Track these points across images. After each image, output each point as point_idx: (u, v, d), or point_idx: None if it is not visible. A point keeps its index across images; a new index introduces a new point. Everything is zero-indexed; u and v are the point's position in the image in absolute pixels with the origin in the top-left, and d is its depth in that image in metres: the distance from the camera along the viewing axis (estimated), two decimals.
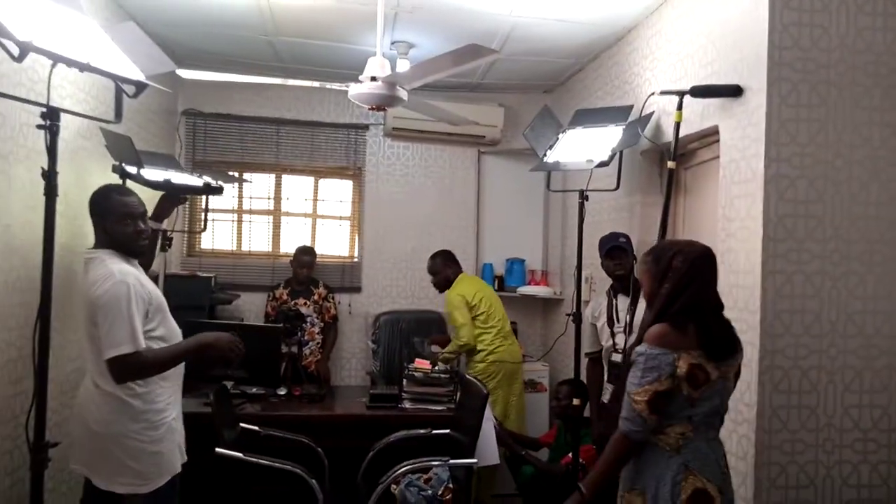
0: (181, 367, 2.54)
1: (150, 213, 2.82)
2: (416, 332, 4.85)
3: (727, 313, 2.09)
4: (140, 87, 2.16)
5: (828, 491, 2.45)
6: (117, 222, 2.41)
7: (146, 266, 2.76)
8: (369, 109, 2.84)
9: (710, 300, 2.04)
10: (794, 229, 2.44)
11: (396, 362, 4.81)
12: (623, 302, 3.29)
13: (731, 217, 2.64)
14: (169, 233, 3.05)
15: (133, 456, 2.32)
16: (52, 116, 1.96)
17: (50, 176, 2.00)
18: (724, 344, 2.01)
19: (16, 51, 1.75)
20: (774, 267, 2.43)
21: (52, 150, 2.00)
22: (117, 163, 2.88)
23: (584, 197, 3.29)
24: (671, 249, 2.07)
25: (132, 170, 2.77)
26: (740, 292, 2.55)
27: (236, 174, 4.72)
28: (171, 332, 2.49)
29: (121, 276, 2.29)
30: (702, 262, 2.04)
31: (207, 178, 2.94)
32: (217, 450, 2.83)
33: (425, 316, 4.99)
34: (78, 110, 2.83)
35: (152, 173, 2.82)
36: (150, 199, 2.76)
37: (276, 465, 2.88)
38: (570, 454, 3.77)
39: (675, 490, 1.95)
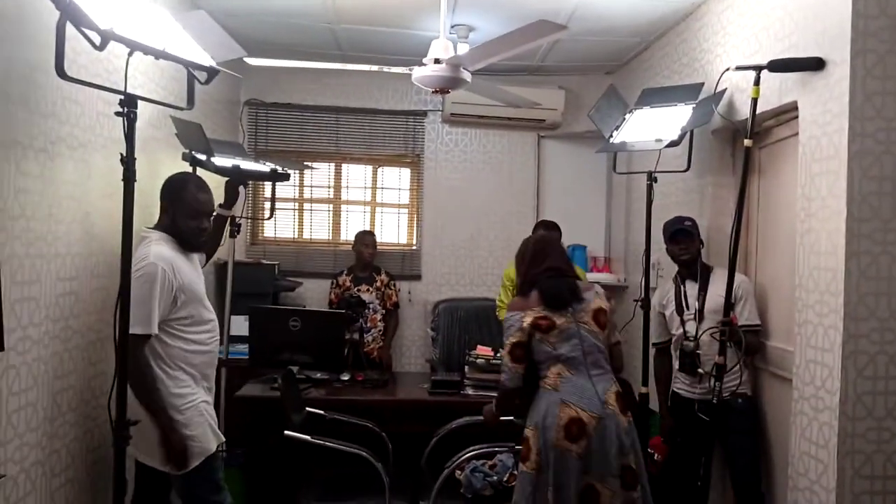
0: (212, 358, 2.57)
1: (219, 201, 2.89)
2: (475, 321, 4.84)
3: (807, 296, 2.42)
4: (212, 73, 2.20)
5: None
6: (187, 216, 2.47)
7: (210, 254, 2.82)
8: (433, 92, 2.82)
9: (544, 270, 2.64)
10: (879, 208, 2.31)
11: (455, 350, 4.82)
12: (692, 288, 3.19)
13: (811, 196, 2.52)
14: (238, 219, 3.10)
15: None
16: (129, 104, 2.00)
17: (128, 162, 2.05)
18: (558, 298, 2.57)
19: (97, 39, 1.80)
20: (859, 248, 2.31)
21: (129, 137, 2.04)
22: (187, 150, 2.95)
23: (652, 179, 3.22)
24: (523, 244, 2.81)
25: (202, 157, 2.83)
26: (822, 274, 2.44)
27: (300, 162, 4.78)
28: (202, 318, 2.51)
29: (155, 259, 2.34)
30: (534, 245, 2.76)
31: (274, 165, 2.97)
32: (286, 432, 2.88)
33: (484, 304, 4.96)
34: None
35: (221, 161, 2.88)
36: (216, 186, 2.82)
37: (344, 447, 2.91)
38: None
39: (554, 420, 2.43)
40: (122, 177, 2.01)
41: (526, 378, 2.58)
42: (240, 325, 3.93)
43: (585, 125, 4.86)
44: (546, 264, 2.65)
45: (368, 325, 4.62)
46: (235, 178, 2.95)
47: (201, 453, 2.47)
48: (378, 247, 4.75)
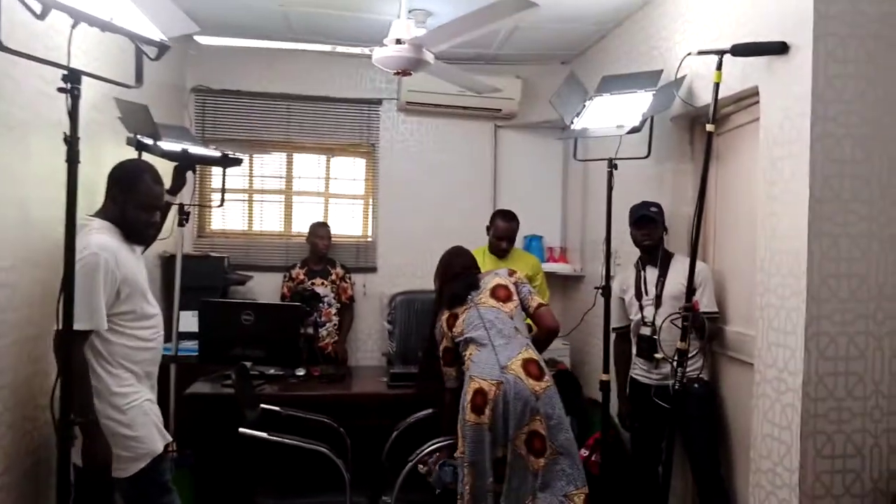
0: (156, 356, 2.43)
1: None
2: (433, 313, 4.75)
3: (768, 280, 2.52)
4: (162, 48, 2.07)
5: (875, 460, 2.36)
6: (139, 207, 2.33)
7: (150, 243, 2.66)
8: (394, 74, 2.73)
9: (447, 276, 3.02)
10: (840, 190, 2.34)
11: (413, 343, 4.73)
12: (652, 274, 3.20)
13: (773, 180, 2.54)
14: (186, 207, 2.95)
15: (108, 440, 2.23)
16: (73, 79, 1.86)
17: (72, 142, 1.90)
18: (455, 296, 2.91)
19: (38, 8, 1.67)
20: (821, 229, 2.34)
21: (73, 115, 1.91)
22: (132, 135, 2.79)
23: (612, 166, 3.20)
24: (441, 258, 3.18)
25: (148, 141, 2.68)
26: (784, 258, 2.46)
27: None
28: (145, 313, 2.37)
29: (97, 248, 2.19)
30: (441, 263, 3.15)
31: (225, 150, 2.84)
32: (241, 430, 2.75)
33: None
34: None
35: (169, 144, 2.73)
36: (163, 172, 2.67)
37: (301, 444, 2.81)
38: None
39: (465, 394, 2.61)
40: (65, 158, 1.88)
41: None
42: (188, 320, 3.76)
43: (542, 115, 4.86)
44: (449, 275, 3.02)
45: (323, 319, 4.50)
46: (184, 164, 2.80)
47: (147, 454, 2.33)
48: (332, 239, 4.63)
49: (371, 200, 5.07)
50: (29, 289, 2.37)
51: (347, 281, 4.63)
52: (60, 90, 1.86)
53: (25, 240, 2.35)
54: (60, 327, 2.05)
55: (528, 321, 2.99)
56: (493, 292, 2.86)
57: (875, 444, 2.36)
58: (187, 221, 3.04)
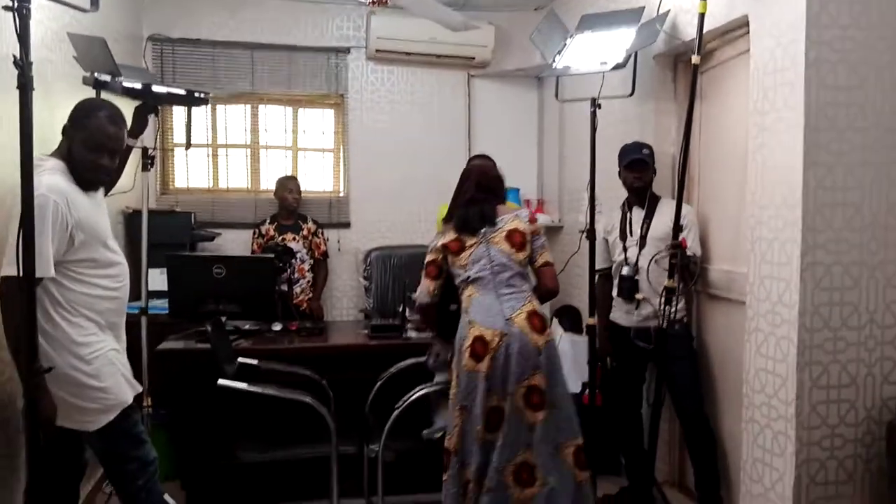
0: (120, 305, 2.29)
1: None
2: (409, 268, 4.66)
3: (760, 213, 2.47)
4: None
5: (869, 389, 2.36)
6: (85, 146, 2.14)
7: (109, 187, 2.50)
8: (370, 4, 2.58)
9: (464, 202, 2.71)
10: (835, 118, 2.29)
11: (390, 299, 4.64)
12: (638, 215, 3.15)
13: (764, 111, 2.48)
14: (150, 151, 2.77)
15: (73, 392, 2.11)
16: None
17: (23, 66, 1.74)
18: (466, 223, 2.66)
19: None
20: (816, 158, 2.29)
21: (23, 37, 1.74)
22: (89, 73, 2.59)
23: (596, 105, 3.11)
24: (465, 168, 2.88)
25: (106, 78, 2.49)
26: (777, 189, 2.41)
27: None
28: (106, 260, 2.22)
29: (46, 191, 2.01)
30: (462, 176, 2.81)
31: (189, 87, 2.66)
32: (220, 381, 2.63)
33: (417, 251, 4.74)
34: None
35: (130, 82, 2.54)
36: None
37: (283, 395, 2.70)
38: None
39: (464, 337, 2.53)
40: (16, 85, 1.71)
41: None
42: (156, 278, 3.59)
43: (516, 62, 4.74)
44: (466, 195, 2.72)
45: (297, 275, 4.37)
46: (146, 104, 2.62)
47: (117, 405, 2.20)
48: (303, 194, 4.47)
49: (342, 154, 4.91)
50: None
51: (320, 236, 4.50)
52: (7, 8, 1.70)
53: None
54: (11, 273, 1.91)
55: None
56: (510, 236, 2.63)
57: (869, 374, 2.36)
58: (152, 166, 2.85)
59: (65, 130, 2.18)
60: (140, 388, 2.35)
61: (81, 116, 2.17)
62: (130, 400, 2.26)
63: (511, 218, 2.68)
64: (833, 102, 2.29)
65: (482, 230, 2.65)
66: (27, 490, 1.84)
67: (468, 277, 2.61)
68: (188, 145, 2.86)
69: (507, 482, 2.48)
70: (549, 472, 2.50)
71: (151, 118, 2.79)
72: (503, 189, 2.83)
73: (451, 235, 2.69)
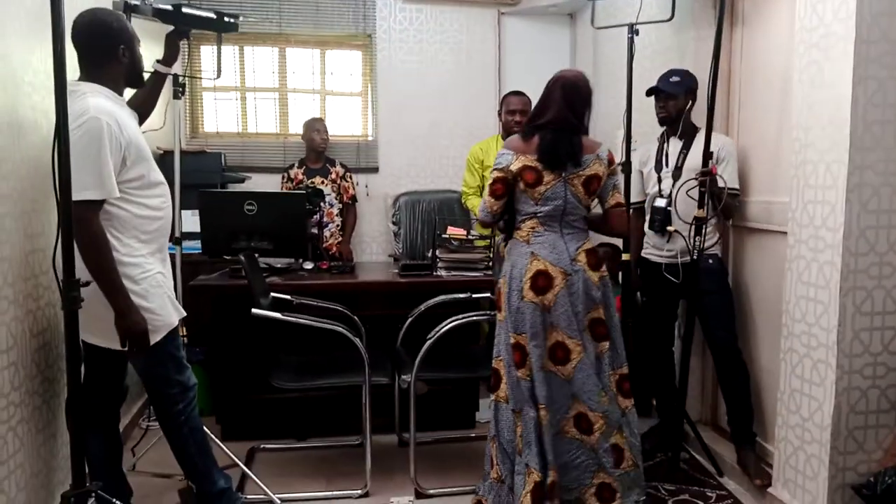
0: (165, 226, 2.29)
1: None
2: (438, 213, 4.63)
3: (805, 135, 2.34)
4: None
5: None
6: (131, 47, 2.16)
7: (145, 116, 2.50)
8: None
9: (550, 122, 2.45)
10: (888, 29, 2.17)
11: (419, 244, 4.63)
12: (675, 146, 3.06)
13: (812, 26, 2.36)
14: (182, 78, 2.75)
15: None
16: None
17: None
18: (553, 157, 2.43)
19: None
20: (866, 73, 2.18)
21: None
22: None
23: (633, 31, 3.01)
24: (553, 78, 2.52)
25: (136, 1, 2.46)
26: (824, 108, 2.30)
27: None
28: (153, 180, 2.24)
29: (96, 113, 2.02)
30: (561, 87, 2.47)
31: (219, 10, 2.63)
32: (253, 311, 2.64)
33: (447, 195, 4.74)
34: None
35: (161, 3, 2.51)
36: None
37: (317, 323, 2.71)
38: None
39: (522, 270, 2.45)
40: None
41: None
42: (188, 220, 3.63)
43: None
44: (554, 114, 2.46)
45: (326, 219, 4.37)
46: (177, 30, 2.59)
47: (164, 327, 2.23)
48: (331, 137, 4.44)
49: (370, 97, 4.85)
50: (17, 160, 2.19)
51: (348, 180, 4.47)
52: None
53: (9, 106, 2.16)
54: (88, 197, 1.98)
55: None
56: (588, 182, 2.47)
57: None
58: (183, 93, 2.84)
59: (97, 50, 2.16)
60: (184, 313, 2.38)
61: (113, 27, 2.17)
62: (176, 323, 2.30)
63: (593, 159, 2.48)
64: (888, 12, 2.17)
65: (565, 168, 2.45)
66: (68, 402, 1.87)
67: (538, 213, 2.48)
68: (218, 73, 2.83)
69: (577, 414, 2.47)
70: (611, 400, 2.50)
71: (183, 43, 2.75)
72: (590, 110, 2.57)
73: (529, 161, 2.44)
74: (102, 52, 2.15)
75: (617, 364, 2.56)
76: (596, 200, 2.59)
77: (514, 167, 2.46)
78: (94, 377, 2.29)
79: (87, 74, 2.17)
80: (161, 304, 2.22)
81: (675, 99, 3.01)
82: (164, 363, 2.27)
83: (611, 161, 2.55)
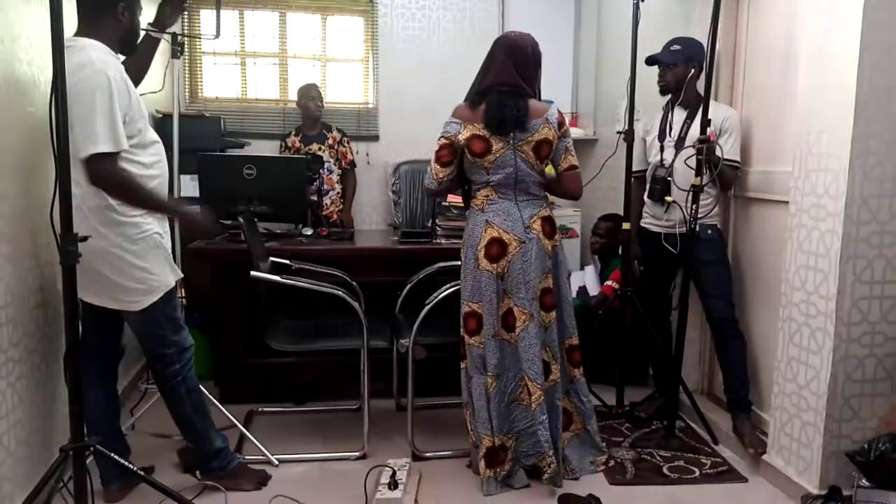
0: (161, 185, 2.27)
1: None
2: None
3: (815, 103, 2.33)
4: None
5: None
6: (131, 8, 2.15)
7: (138, 79, 2.47)
8: None
9: (496, 84, 2.42)
10: None
11: (419, 213, 4.61)
12: (679, 115, 3.04)
13: None
14: (180, 37, 2.71)
15: (118, 271, 2.13)
16: None
17: None
18: (501, 123, 2.40)
19: None
20: (873, 38, 2.15)
21: None
22: None
23: None
24: (496, 39, 2.53)
25: None
26: (830, 75, 2.28)
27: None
28: (149, 139, 2.22)
29: (101, 66, 2.01)
30: (502, 49, 2.47)
31: None
32: (252, 273, 2.63)
33: None
34: None
35: None
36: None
37: (316, 286, 2.70)
38: (607, 282, 3.67)
39: (478, 237, 2.48)
40: None
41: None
42: (186, 184, 3.60)
43: None
44: (501, 78, 2.43)
45: (326, 187, 4.34)
46: None
47: (161, 287, 2.23)
48: (331, 104, 4.41)
49: (371, 64, 4.80)
50: (13, 117, 2.17)
51: (346, 145, 4.44)
52: None
53: (4, 62, 2.13)
54: (100, 150, 1.98)
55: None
56: (538, 147, 2.44)
57: None
58: (182, 53, 2.80)
59: (96, 5, 2.12)
60: (181, 275, 2.38)
61: None
62: (173, 283, 2.30)
63: (542, 123, 2.44)
64: None
65: (512, 133, 2.43)
66: (66, 356, 1.87)
67: (488, 181, 2.48)
68: (217, 33, 2.78)
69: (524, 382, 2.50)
70: (561, 370, 2.58)
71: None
72: (539, 73, 2.57)
73: (476, 130, 2.43)
74: (102, 7, 2.11)
75: (566, 334, 2.63)
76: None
77: (462, 136, 2.44)
78: (91, 337, 2.29)
79: (85, 29, 2.13)
80: (158, 264, 2.22)
81: (675, 68, 2.99)
82: (161, 324, 2.27)
83: (560, 123, 2.52)
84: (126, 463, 2.11)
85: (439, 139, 2.50)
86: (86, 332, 2.30)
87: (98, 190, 2.06)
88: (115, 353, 2.44)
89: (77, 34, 2.13)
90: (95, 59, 2.02)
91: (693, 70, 2.97)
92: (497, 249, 2.46)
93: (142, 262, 2.17)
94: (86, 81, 1.98)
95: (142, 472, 2.14)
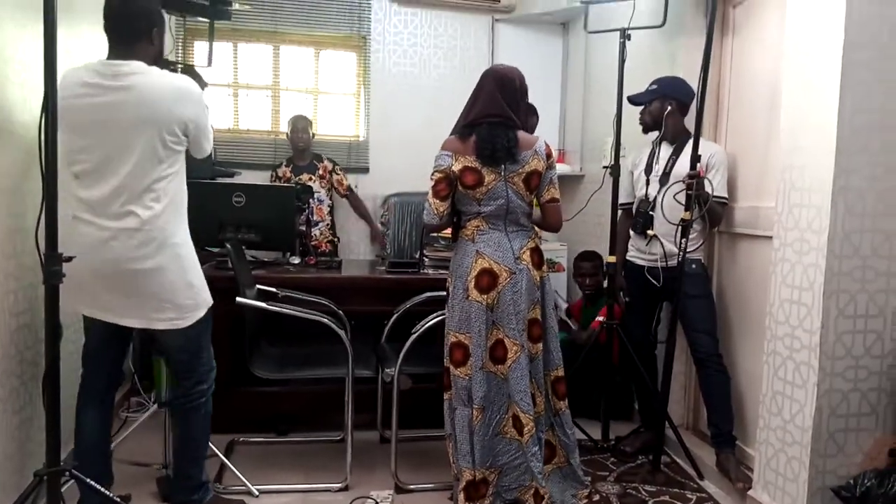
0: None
1: None
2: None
3: (798, 139, 2.34)
4: None
5: None
6: (162, 32, 2.23)
7: None
8: None
9: (486, 116, 2.43)
10: (877, 35, 2.20)
11: (407, 245, 4.61)
12: (666, 151, 3.09)
13: (801, 32, 2.39)
14: (172, 68, 2.74)
15: (170, 289, 2.14)
16: None
17: None
18: (492, 155, 2.40)
19: None
20: (854, 77, 2.21)
21: None
22: None
23: (625, 36, 3.04)
24: (484, 72, 2.56)
25: None
26: (812, 112, 2.33)
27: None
28: None
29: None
30: (490, 81, 2.49)
31: None
32: (238, 299, 2.62)
33: None
34: None
35: None
36: None
37: (301, 314, 2.69)
38: (596, 319, 3.67)
39: (468, 267, 2.46)
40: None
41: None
42: None
43: (541, 7, 4.64)
44: (490, 109, 2.45)
45: (315, 218, 4.35)
46: (167, 7, 2.59)
47: (205, 303, 2.29)
48: (322, 137, 4.45)
49: (362, 98, 4.86)
50: (3, 138, 2.17)
51: (339, 173, 4.48)
52: None
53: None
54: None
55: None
56: (528, 179, 2.45)
57: None
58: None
59: (144, 30, 2.16)
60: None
61: (155, 12, 2.21)
62: (212, 301, 2.33)
63: (531, 155, 2.46)
64: (876, 17, 2.20)
65: (503, 166, 2.43)
66: (45, 377, 1.85)
67: (480, 212, 2.48)
68: (210, 62, 2.82)
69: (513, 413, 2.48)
70: (545, 401, 2.57)
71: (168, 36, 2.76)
72: (526, 106, 2.60)
73: (467, 161, 2.42)
74: (141, 32, 2.15)
75: (552, 366, 2.61)
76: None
77: (455, 168, 2.43)
78: (103, 359, 2.30)
79: (126, 52, 2.12)
80: (201, 281, 2.27)
81: (650, 105, 3.07)
82: (203, 340, 2.31)
83: (548, 155, 2.55)
84: (104, 491, 2.06)
85: (433, 174, 2.48)
86: (93, 354, 2.29)
87: (151, 206, 2.09)
88: (119, 376, 2.44)
89: (120, 58, 2.11)
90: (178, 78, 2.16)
91: (669, 106, 3.03)
92: (487, 280, 2.44)
93: (189, 277, 2.19)
94: (197, 97, 2.20)
95: (119, 501, 2.09)
